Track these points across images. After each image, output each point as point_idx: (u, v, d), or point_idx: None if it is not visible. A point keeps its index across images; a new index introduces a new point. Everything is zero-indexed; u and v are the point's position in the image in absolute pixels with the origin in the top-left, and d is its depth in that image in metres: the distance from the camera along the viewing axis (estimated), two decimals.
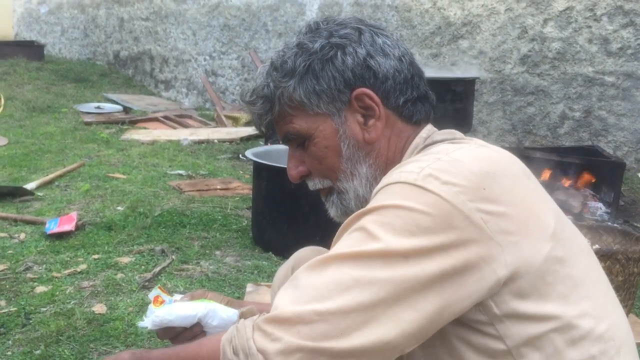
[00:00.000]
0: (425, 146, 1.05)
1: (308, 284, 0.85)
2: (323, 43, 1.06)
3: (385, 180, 0.93)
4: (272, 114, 1.10)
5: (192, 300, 1.28)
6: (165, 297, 1.26)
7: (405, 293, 0.82)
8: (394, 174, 0.92)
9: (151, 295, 1.26)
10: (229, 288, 2.58)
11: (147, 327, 1.21)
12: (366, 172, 1.08)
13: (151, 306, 1.24)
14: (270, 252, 3.00)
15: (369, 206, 0.90)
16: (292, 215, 2.95)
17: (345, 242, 0.88)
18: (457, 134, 1.07)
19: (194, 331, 1.21)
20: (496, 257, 0.84)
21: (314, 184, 1.15)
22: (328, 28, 1.08)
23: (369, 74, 1.06)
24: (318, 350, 0.80)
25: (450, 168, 0.89)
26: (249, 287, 2.57)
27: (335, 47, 1.05)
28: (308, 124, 1.07)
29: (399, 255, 0.83)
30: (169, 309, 1.21)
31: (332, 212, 1.14)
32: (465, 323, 0.88)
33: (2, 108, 6.10)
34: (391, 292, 0.81)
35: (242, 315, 1.18)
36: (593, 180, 3.86)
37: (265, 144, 5.11)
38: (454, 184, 0.86)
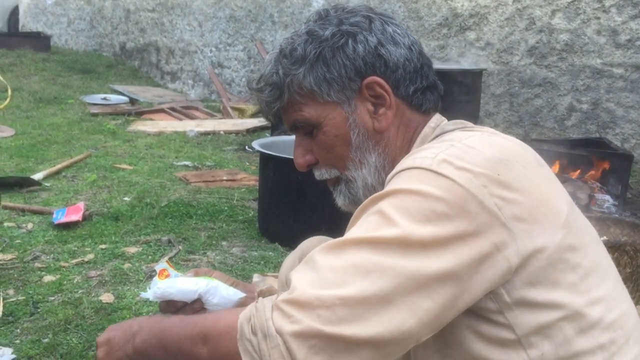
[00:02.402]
0: (436, 135, 1.05)
1: (327, 266, 0.84)
2: (334, 31, 1.05)
3: (399, 166, 0.93)
4: (280, 102, 1.09)
5: (196, 276, 1.29)
6: (171, 271, 1.27)
7: (423, 282, 0.81)
8: (407, 160, 0.92)
9: (158, 267, 1.27)
10: (236, 278, 2.58)
11: (149, 298, 1.22)
12: (375, 161, 1.07)
13: (156, 278, 1.25)
14: (277, 243, 3.01)
15: (385, 190, 0.89)
16: (298, 206, 2.95)
17: (362, 225, 0.87)
18: (467, 123, 1.07)
19: (194, 307, 1.22)
20: (509, 244, 0.84)
21: (320, 174, 1.13)
22: (338, 16, 1.07)
23: (379, 63, 1.05)
24: (337, 337, 0.79)
25: (463, 154, 0.88)
26: (256, 277, 2.56)
27: (346, 34, 1.05)
28: (317, 112, 1.07)
29: (416, 244, 0.82)
30: (172, 282, 1.22)
31: (340, 201, 1.13)
32: (476, 312, 0.88)
33: (9, 99, 6.11)
34: (409, 279, 0.81)
35: (261, 294, 1.18)
36: (601, 173, 3.84)
37: (272, 135, 5.11)
38: (467, 169, 0.86)
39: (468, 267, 0.82)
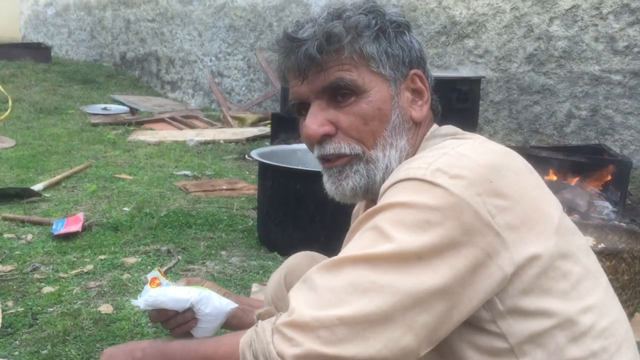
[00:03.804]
0: (429, 141, 1.07)
1: (324, 286, 0.84)
2: (393, 19, 1.09)
3: (392, 178, 0.93)
4: (338, 55, 1.03)
5: (188, 285, 1.28)
6: (162, 279, 1.26)
7: (420, 297, 0.82)
8: (401, 171, 0.92)
9: (149, 275, 1.26)
10: (235, 288, 2.58)
11: (139, 306, 1.21)
12: (404, 145, 1.07)
13: (147, 286, 1.23)
14: (276, 252, 3.00)
15: (379, 204, 0.90)
16: (297, 215, 2.95)
17: (359, 242, 0.88)
18: (458, 130, 1.09)
19: (186, 316, 1.21)
20: (502, 253, 0.85)
21: (338, 147, 1.04)
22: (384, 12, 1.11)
23: (423, 63, 1.11)
24: (338, 359, 0.80)
25: (457, 162, 0.89)
26: (255, 287, 2.57)
27: (403, 26, 1.10)
28: (366, 79, 1.04)
29: (412, 257, 0.82)
30: (163, 290, 1.21)
31: (351, 182, 1.05)
32: (469, 322, 0.88)
33: (10, 110, 6.13)
34: (407, 296, 0.81)
35: (260, 317, 1.19)
36: (600, 179, 3.84)
37: (271, 144, 5.13)
38: (462, 177, 0.86)
39: (462, 278, 0.83)
